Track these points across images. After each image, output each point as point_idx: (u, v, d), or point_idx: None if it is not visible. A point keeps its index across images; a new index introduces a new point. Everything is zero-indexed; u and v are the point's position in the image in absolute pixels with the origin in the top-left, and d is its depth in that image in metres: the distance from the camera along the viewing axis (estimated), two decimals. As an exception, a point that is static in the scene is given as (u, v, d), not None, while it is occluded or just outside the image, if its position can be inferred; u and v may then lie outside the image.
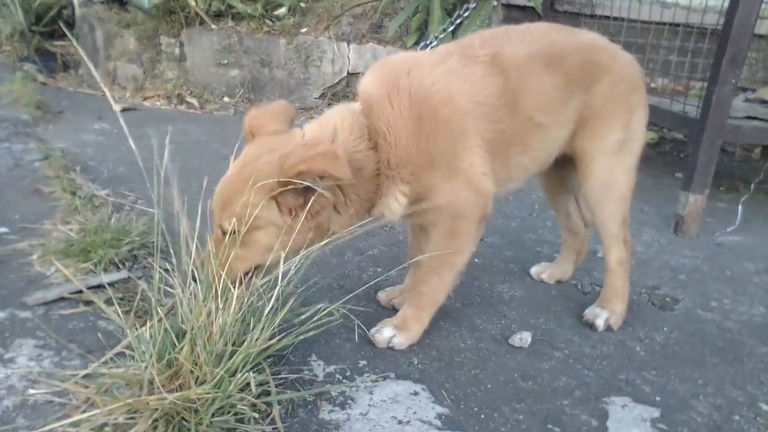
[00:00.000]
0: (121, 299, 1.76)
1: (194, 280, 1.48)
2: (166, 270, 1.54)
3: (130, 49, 5.08)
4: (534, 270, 2.27)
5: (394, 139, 1.55)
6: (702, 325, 2.03)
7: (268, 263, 1.51)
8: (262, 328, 1.41)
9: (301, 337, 1.47)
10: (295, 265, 1.51)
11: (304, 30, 5.16)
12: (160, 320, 1.40)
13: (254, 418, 1.32)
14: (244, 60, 5.04)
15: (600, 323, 1.91)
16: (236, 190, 1.46)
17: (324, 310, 1.52)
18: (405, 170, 1.56)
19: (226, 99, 5.04)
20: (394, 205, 1.60)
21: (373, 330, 1.72)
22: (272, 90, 5.14)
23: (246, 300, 1.48)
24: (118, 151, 3.36)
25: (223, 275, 1.43)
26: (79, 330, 1.65)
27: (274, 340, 1.41)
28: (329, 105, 5.13)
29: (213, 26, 5.01)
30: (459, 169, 1.58)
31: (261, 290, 1.49)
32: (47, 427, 1.23)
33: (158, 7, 4.97)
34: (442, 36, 2.88)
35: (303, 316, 1.54)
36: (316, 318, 1.51)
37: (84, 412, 1.28)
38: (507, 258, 2.45)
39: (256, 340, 1.38)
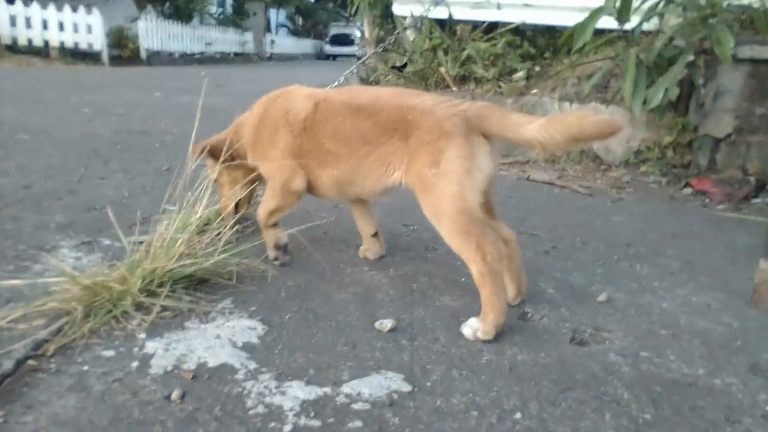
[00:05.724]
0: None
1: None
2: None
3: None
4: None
5: (247, 135, 2.71)
6: (580, 360, 1.96)
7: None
8: (170, 259, 2.18)
9: (189, 270, 2.20)
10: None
11: (534, 91, 5.61)
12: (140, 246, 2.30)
13: (138, 307, 2.08)
14: (473, 116, 5.73)
15: (467, 332, 2.09)
16: None
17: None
18: (247, 149, 2.72)
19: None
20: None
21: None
22: (494, 144, 5.69)
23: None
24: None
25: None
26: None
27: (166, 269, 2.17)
28: (541, 161, 5.44)
29: (454, 88, 5.87)
30: (271, 157, 2.56)
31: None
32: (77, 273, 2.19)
33: (416, 74, 6.12)
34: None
35: (215, 259, 2.29)
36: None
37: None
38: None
39: (162, 267, 2.17)
